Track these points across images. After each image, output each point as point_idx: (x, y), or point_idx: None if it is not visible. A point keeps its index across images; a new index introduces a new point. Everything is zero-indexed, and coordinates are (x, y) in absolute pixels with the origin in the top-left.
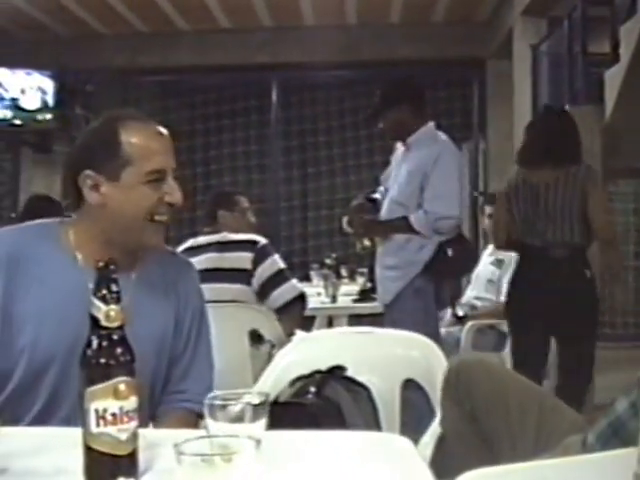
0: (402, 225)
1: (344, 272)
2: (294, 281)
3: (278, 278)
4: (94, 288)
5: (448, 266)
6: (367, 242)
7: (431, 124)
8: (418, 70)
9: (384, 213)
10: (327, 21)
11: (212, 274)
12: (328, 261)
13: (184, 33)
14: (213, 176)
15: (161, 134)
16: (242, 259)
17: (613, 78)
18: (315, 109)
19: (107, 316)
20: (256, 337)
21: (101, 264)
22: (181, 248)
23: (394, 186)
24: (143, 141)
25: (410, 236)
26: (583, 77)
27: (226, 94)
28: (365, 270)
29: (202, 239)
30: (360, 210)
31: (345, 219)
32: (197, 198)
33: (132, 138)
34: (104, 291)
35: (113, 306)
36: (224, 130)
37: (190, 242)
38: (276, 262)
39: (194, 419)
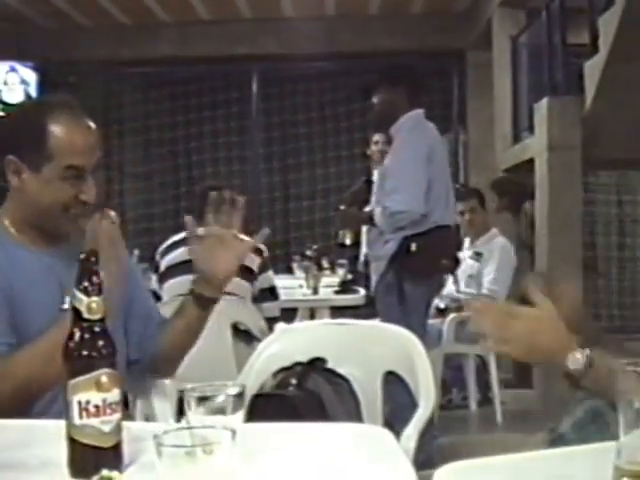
0: (366, 219)
1: (325, 264)
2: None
3: (271, 293)
4: (76, 280)
5: (413, 261)
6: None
7: (415, 112)
8: (397, 61)
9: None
10: (306, 13)
11: None
12: (309, 253)
13: (165, 25)
14: (194, 167)
15: (89, 129)
16: (251, 259)
17: (592, 69)
18: (295, 100)
19: (89, 308)
20: (240, 330)
21: (83, 256)
22: (179, 237)
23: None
24: (68, 136)
25: (379, 230)
26: (563, 68)
27: (207, 86)
28: (346, 262)
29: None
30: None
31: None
32: (180, 190)
33: (59, 132)
34: (86, 283)
35: (95, 298)
36: (205, 121)
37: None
38: (271, 277)
39: None
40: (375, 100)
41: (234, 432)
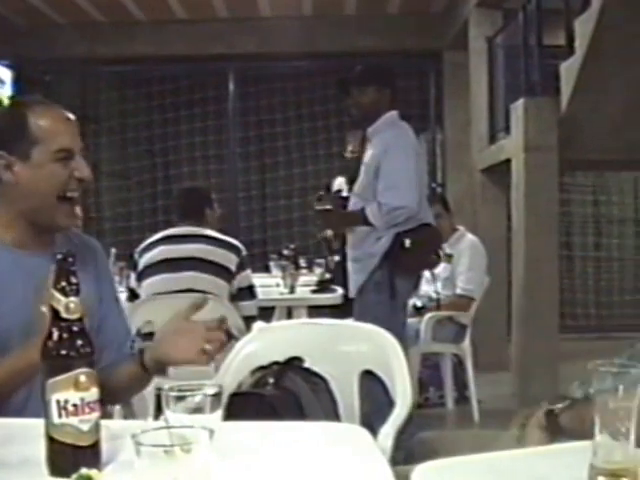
0: (359, 217)
1: (303, 263)
2: (256, 300)
3: (249, 292)
4: (53, 280)
5: (406, 258)
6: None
7: (391, 113)
8: (375, 61)
9: (350, 207)
10: (283, 12)
11: (198, 263)
12: (286, 252)
13: (141, 23)
14: (171, 166)
15: (68, 118)
16: (229, 259)
17: (569, 70)
18: (272, 100)
19: (67, 308)
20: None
21: (60, 256)
22: (158, 236)
23: (357, 177)
24: (50, 122)
25: (369, 228)
26: (539, 69)
27: (183, 84)
28: (323, 261)
29: (184, 229)
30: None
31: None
32: (157, 188)
33: (39, 120)
34: (63, 283)
35: (72, 298)
36: (182, 120)
37: (170, 231)
38: (250, 276)
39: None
40: (361, 98)
41: (212, 431)
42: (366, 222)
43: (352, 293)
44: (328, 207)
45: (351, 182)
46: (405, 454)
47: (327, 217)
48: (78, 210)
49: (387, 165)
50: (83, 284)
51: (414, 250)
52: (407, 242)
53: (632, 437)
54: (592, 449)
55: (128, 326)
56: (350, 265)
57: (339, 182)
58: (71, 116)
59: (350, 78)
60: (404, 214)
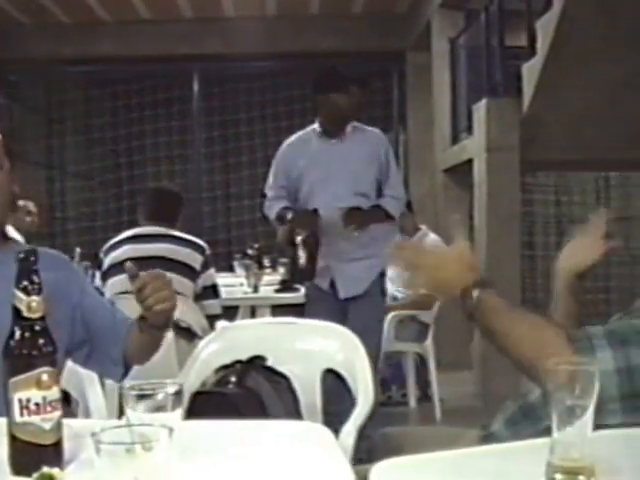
0: (381, 214)
1: (266, 262)
2: (220, 299)
3: (213, 291)
4: (15, 279)
5: None
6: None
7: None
8: (338, 61)
9: (341, 203)
10: (247, 13)
11: (163, 262)
12: (250, 251)
13: (106, 24)
14: (136, 166)
15: None
16: (194, 258)
17: (530, 71)
18: (236, 100)
19: (29, 307)
20: (181, 328)
21: (22, 255)
22: (124, 236)
23: (343, 178)
24: None
25: (382, 225)
26: (501, 70)
27: (148, 85)
28: (287, 260)
29: (150, 229)
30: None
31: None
32: (122, 188)
33: None
34: (25, 282)
35: (34, 297)
36: (146, 120)
37: (136, 230)
38: (213, 275)
39: None
40: (353, 98)
41: (171, 430)
42: (387, 217)
43: (356, 291)
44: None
45: None
46: (368, 449)
47: (361, 217)
48: (29, 210)
49: (393, 162)
50: (61, 307)
51: None
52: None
53: (589, 434)
54: (549, 447)
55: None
56: (355, 264)
57: None
58: None
59: (328, 81)
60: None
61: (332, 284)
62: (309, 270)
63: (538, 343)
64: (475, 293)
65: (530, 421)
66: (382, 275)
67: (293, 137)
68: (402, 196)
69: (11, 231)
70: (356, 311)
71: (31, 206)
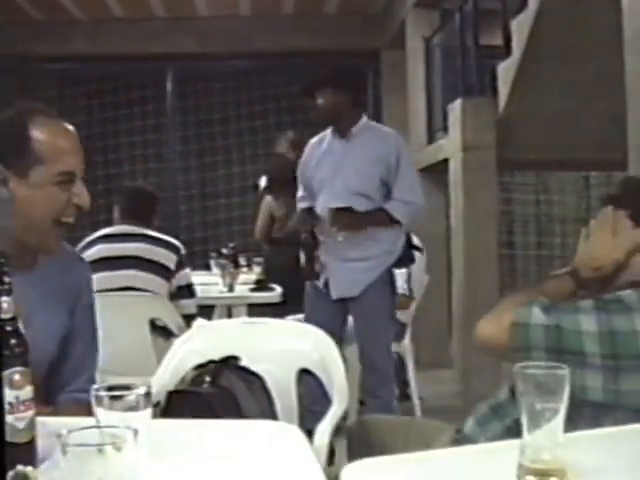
0: (383, 217)
1: (242, 261)
2: (196, 299)
3: (188, 291)
4: None
5: (409, 254)
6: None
7: (365, 117)
8: (312, 61)
9: (335, 202)
10: (221, 12)
11: (137, 262)
12: (225, 250)
13: (79, 22)
14: (111, 165)
15: (70, 133)
16: (169, 258)
17: (506, 71)
18: (211, 99)
19: None
20: (158, 326)
21: None
22: (99, 234)
23: (343, 177)
24: (53, 140)
25: (385, 228)
26: (476, 69)
27: (122, 83)
28: (262, 259)
29: (123, 228)
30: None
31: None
32: (98, 187)
33: (42, 135)
34: None
35: (5, 298)
36: (121, 119)
37: (110, 229)
38: (189, 274)
39: (86, 408)
40: (321, 101)
41: (137, 430)
42: (391, 221)
43: (350, 292)
44: (342, 206)
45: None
46: (347, 438)
47: (349, 218)
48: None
49: (405, 165)
50: (55, 306)
51: (410, 247)
52: (415, 239)
53: (560, 437)
54: (520, 449)
55: (91, 370)
56: (350, 265)
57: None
58: (73, 130)
59: (310, 83)
60: (422, 213)
61: (327, 283)
62: (308, 270)
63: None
64: None
65: (498, 417)
66: (389, 275)
67: (316, 137)
68: (415, 201)
69: None
70: (356, 313)
71: None
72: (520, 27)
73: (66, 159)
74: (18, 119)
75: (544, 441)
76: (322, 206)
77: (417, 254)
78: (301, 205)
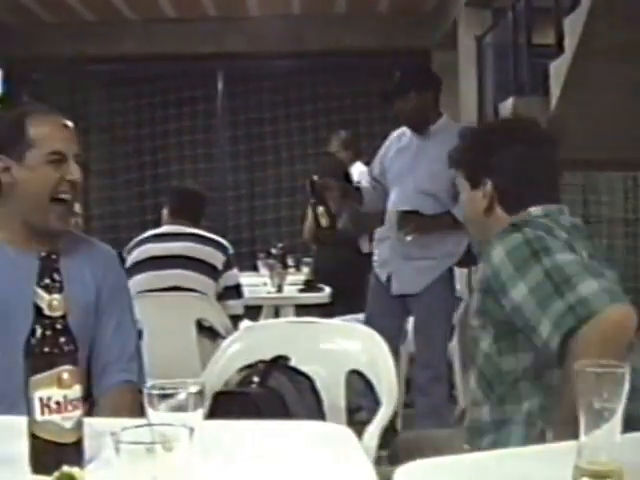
0: (449, 220)
1: (290, 262)
2: (243, 299)
3: (235, 291)
4: (37, 277)
5: (471, 257)
6: (325, 221)
7: (446, 115)
8: (363, 60)
9: (403, 203)
10: (272, 11)
11: (185, 261)
12: (274, 251)
13: (131, 22)
14: (160, 165)
15: (64, 124)
16: (217, 257)
17: (558, 69)
18: (261, 99)
19: (50, 305)
20: (204, 327)
21: (43, 254)
22: (147, 235)
23: (414, 176)
24: (46, 127)
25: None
26: (528, 68)
27: (172, 83)
28: (310, 260)
29: (172, 228)
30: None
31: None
32: (145, 187)
33: (37, 125)
34: (47, 280)
35: (56, 295)
36: (170, 119)
37: (159, 229)
38: (237, 275)
39: (132, 388)
40: (401, 105)
41: (192, 429)
42: (456, 223)
43: (412, 290)
44: (409, 209)
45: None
46: (389, 454)
47: (416, 222)
48: (75, 211)
49: None
50: (80, 288)
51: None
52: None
53: (618, 438)
54: (577, 450)
55: (128, 348)
56: (411, 263)
57: (360, 171)
58: (69, 123)
59: (391, 89)
60: None
61: (389, 278)
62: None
63: None
64: None
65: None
66: (450, 275)
67: (399, 129)
68: None
69: None
70: (416, 310)
71: (77, 207)
72: (572, 25)
73: (56, 141)
74: (15, 115)
75: (602, 442)
76: (391, 207)
77: None
78: (359, 181)
